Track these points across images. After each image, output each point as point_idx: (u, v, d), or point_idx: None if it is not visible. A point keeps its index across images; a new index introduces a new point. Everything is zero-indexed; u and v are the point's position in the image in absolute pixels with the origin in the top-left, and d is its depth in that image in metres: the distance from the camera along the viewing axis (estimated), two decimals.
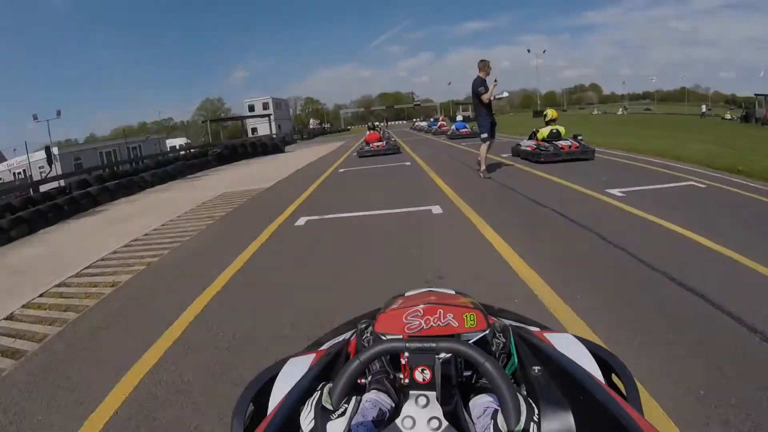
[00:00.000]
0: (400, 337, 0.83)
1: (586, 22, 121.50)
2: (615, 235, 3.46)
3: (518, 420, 0.63)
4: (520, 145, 8.97)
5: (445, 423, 0.67)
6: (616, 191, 5.11)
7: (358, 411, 0.70)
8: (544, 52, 58.64)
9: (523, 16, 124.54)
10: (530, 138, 8.78)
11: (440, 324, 0.84)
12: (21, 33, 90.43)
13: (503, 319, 1.04)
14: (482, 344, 0.88)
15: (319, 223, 4.98)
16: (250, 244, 4.25)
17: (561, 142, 8.01)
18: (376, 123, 18.53)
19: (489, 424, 0.68)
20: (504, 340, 0.90)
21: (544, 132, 8.30)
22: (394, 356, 0.81)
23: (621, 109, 49.46)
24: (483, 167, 6.91)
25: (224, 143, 18.21)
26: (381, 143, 12.99)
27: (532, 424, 0.66)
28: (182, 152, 17.01)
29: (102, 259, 4.41)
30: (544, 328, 1.10)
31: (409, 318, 0.85)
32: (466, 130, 18.12)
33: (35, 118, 24.51)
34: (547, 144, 8.06)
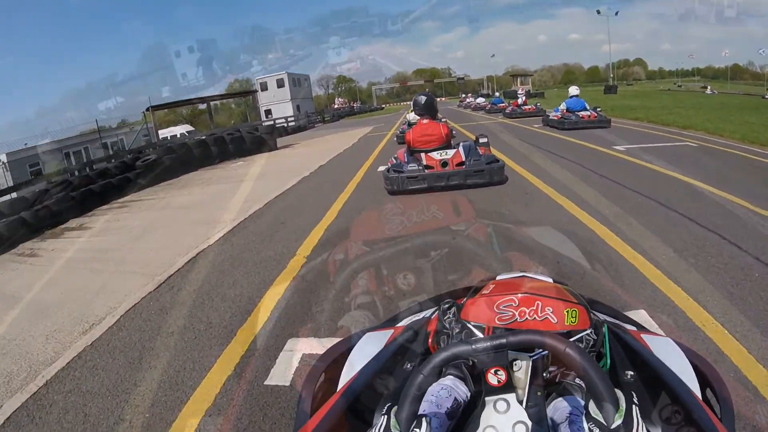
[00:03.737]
0: (483, 327, 0.75)
1: None
2: None
3: (616, 410, 0.55)
4: None
5: (530, 424, 0.60)
6: None
7: (433, 400, 0.65)
8: (616, 14, 50.74)
9: None
10: None
11: (537, 318, 0.73)
12: None
13: (598, 314, 0.91)
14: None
15: None
16: None
17: None
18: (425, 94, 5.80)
19: None
20: (595, 337, 0.76)
21: None
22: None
23: (674, 84, 45.58)
24: None
25: (167, 144, 12.24)
26: (451, 153, 5.12)
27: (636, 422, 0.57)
28: (73, 176, 8.46)
29: None
30: (641, 328, 1.00)
31: (501, 307, 0.76)
32: (587, 112, 10.30)
33: None
34: None
